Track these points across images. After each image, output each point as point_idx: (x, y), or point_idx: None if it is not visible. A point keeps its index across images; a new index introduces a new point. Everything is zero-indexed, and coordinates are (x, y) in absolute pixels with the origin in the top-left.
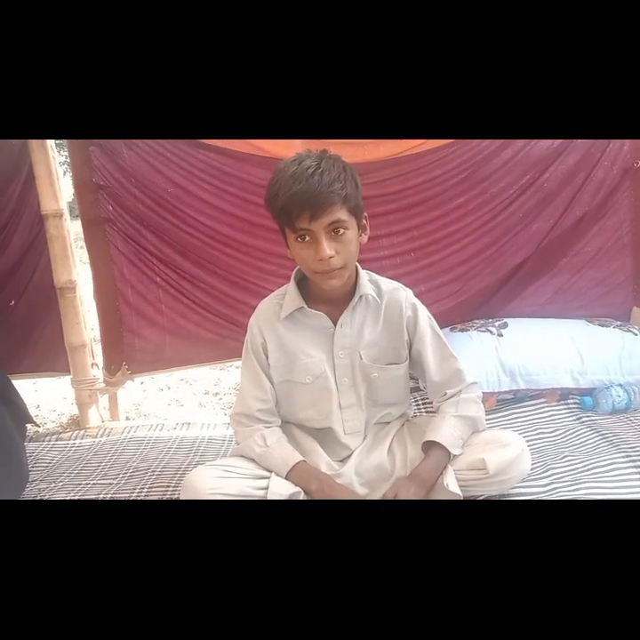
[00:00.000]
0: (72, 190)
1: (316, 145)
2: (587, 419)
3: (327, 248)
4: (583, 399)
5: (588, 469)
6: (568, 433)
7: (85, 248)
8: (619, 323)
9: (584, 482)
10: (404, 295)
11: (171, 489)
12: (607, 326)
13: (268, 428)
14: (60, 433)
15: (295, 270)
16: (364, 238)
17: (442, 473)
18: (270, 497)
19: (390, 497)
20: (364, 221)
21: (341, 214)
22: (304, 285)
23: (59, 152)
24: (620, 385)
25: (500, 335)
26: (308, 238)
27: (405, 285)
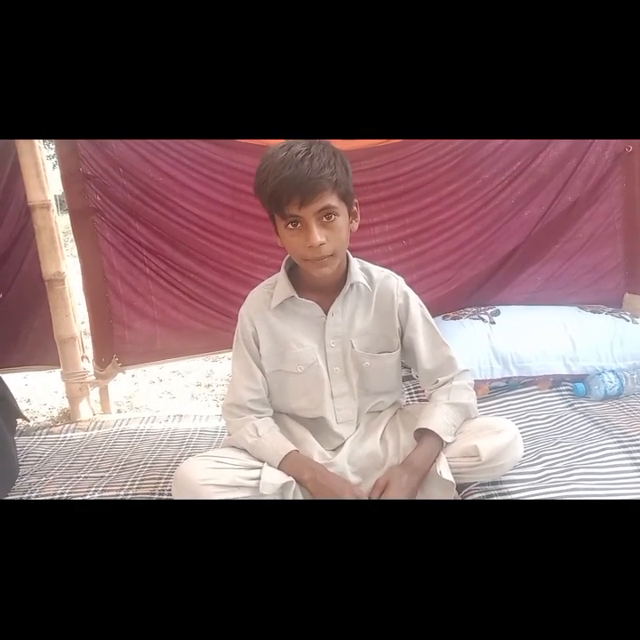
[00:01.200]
0: (61, 184)
1: None
2: (579, 405)
3: (317, 235)
4: (575, 386)
5: (581, 455)
6: (560, 419)
7: (74, 241)
8: (611, 309)
9: (577, 468)
10: (396, 283)
11: (163, 481)
12: (599, 313)
13: (260, 418)
14: (51, 426)
15: (285, 259)
16: (355, 225)
17: (435, 460)
18: (262, 487)
19: (382, 484)
20: (355, 208)
21: (332, 200)
22: (294, 274)
23: (46, 145)
24: (613, 371)
25: (493, 323)
26: (298, 225)
27: (397, 273)
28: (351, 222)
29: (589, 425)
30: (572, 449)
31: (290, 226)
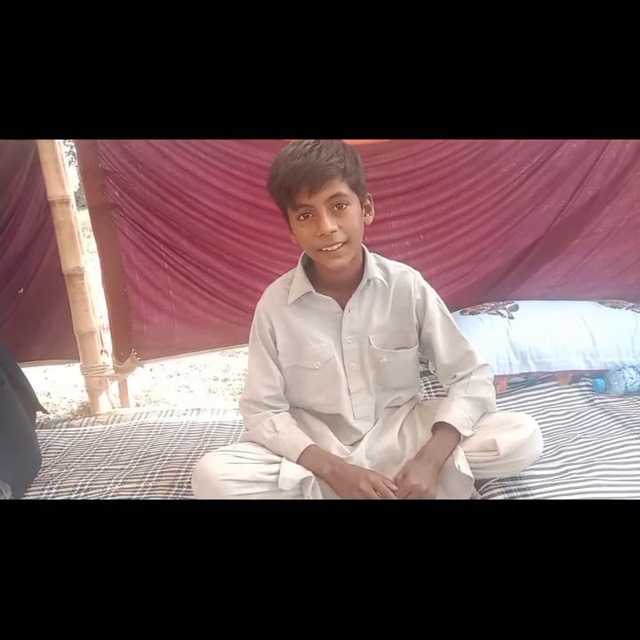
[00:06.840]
0: (78, 180)
1: None
2: (599, 401)
3: (328, 222)
4: (595, 381)
5: (601, 451)
6: (580, 415)
7: (93, 236)
8: (631, 304)
9: (597, 463)
10: (413, 278)
11: (182, 474)
12: (619, 308)
13: (277, 413)
14: (71, 420)
15: (302, 255)
16: (369, 219)
17: (452, 454)
18: (281, 482)
19: (400, 479)
20: (368, 201)
21: (342, 188)
22: (311, 270)
23: (64, 141)
24: (633, 366)
25: (511, 318)
26: (309, 216)
27: (414, 268)
28: (365, 215)
29: (609, 421)
30: (592, 445)
31: (301, 217)
